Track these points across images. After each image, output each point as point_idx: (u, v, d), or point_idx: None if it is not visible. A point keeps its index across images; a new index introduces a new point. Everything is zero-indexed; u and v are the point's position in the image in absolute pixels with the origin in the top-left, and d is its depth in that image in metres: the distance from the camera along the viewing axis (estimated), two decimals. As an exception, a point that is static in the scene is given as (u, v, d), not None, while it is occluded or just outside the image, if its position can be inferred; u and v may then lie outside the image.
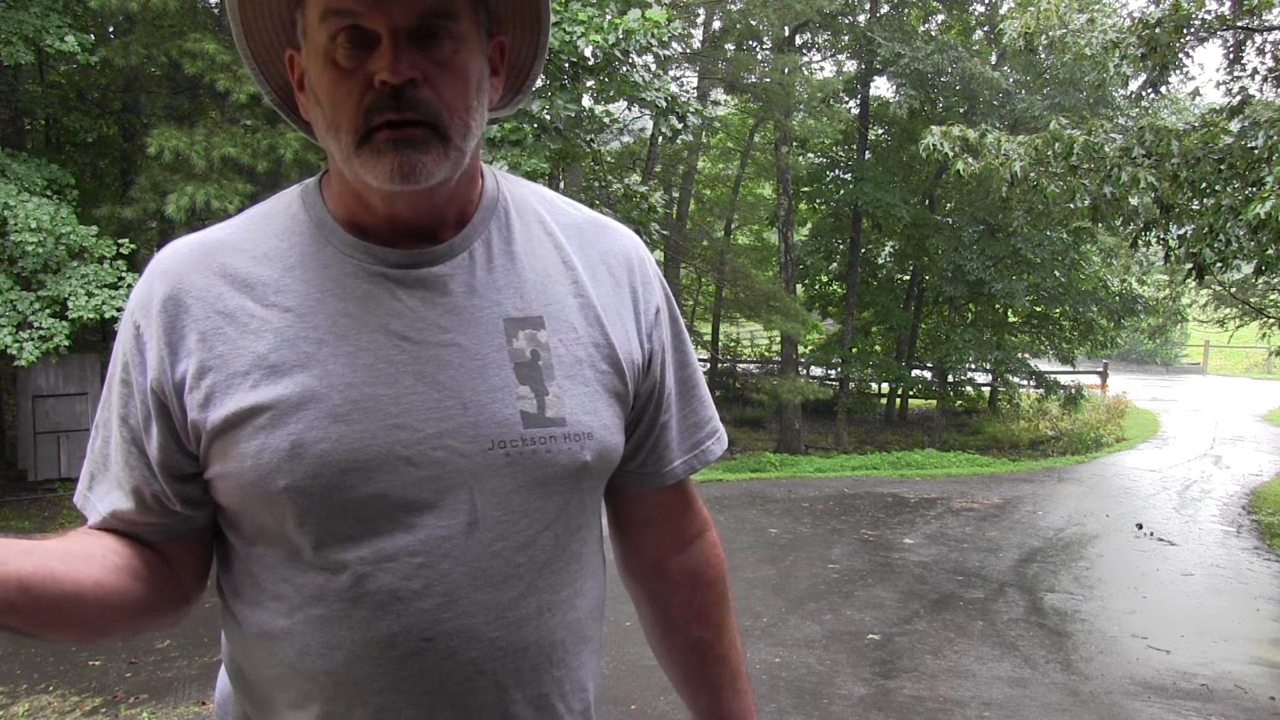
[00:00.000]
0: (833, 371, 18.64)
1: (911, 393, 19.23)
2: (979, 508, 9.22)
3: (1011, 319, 18.32)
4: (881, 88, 20.25)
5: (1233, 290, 15.21)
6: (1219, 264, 6.62)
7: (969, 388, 19.46)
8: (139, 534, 0.94)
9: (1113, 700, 4.40)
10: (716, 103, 18.48)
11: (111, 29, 10.70)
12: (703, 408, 1.12)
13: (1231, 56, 8.50)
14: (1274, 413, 18.79)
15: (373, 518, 0.88)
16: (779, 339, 19.55)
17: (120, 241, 8.63)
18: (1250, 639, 5.44)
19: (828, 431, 17.58)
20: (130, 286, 8.21)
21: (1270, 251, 6.46)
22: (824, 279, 19.95)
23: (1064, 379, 17.84)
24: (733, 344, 25.28)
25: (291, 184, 1.01)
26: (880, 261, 19.52)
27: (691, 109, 8.99)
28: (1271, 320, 14.97)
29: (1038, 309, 17.92)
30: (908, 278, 19.44)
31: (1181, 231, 6.75)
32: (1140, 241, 7.42)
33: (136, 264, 8.86)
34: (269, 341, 0.89)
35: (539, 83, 1.42)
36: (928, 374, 18.89)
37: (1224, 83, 8.73)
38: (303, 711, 0.93)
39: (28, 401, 9.55)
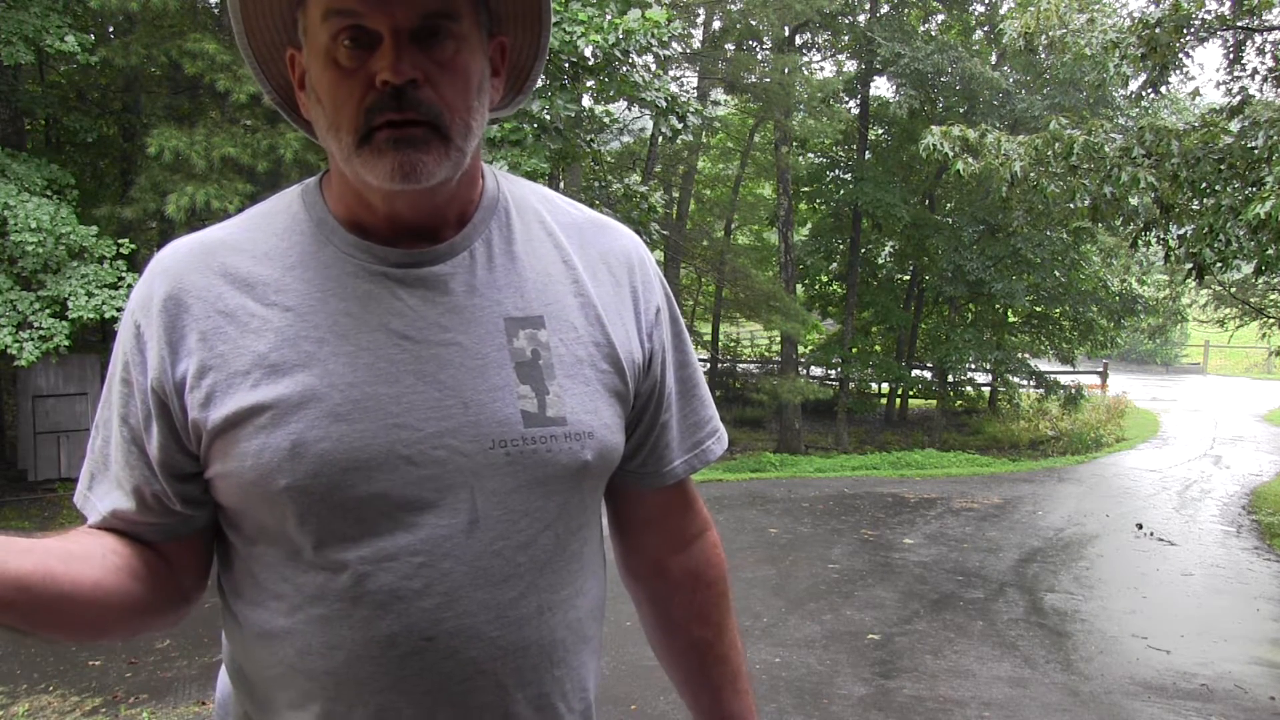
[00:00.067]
0: (833, 371, 18.65)
1: (911, 393, 19.24)
2: (979, 508, 9.22)
3: (1011, 319, 18.32)
4: (881, 88, 20.29)
5: (1233, 290, 15.21)
6: (1219, 264, 6.62)
7: (969, 388, 19.47)
8: (139, 534, 0.94)
9: (1113, 700, 4.40)
10: (716, 103, 18.48)
11: (111, 29, 10.70)
12: (703, 407, 1.12)
13: (1231, 56, 8.50)
14: (1274, 413, 18.79)
15: (373, 517, 0.88)
16: (779, 339, 19.55)
17: (120, 241, 8.63)
18: (1250, 639, 5.44)
19: (828, 431, 17.59)
20: (130, 286, 8.21)
21: (1270, 251, 6.46)
22: (824, 279, 19.95)
23: (1064, 379, 17.85)
24: (733, 344, 25.29)
25: (291, 184, 1.01)
26: (880, 261, 19.53)
27: (691, 109, 9.00)
28: (1271, 320, 14.98)
29: (1038, 309, 17.93)
30: (908, 278, 19.45)
31: (1181, 231, 6.75)
32: (1140, 241, 7.42)
33: (136, 264, 8.86)
34: (270, 341, 0.89)
35: (539, 83, 1.42)
36: (928, 374, 18.90)
37: (1224, 83, 8.74)
38: (303, 711, 0.93)
39: (28, 401, 9.56)
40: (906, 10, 17.70)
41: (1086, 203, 6.88)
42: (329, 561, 0.89)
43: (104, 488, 0.95)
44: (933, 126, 7.59)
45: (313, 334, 0.90)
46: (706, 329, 21.37)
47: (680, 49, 15.71)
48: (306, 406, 0.87)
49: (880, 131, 19.36)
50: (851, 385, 18.19)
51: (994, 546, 7.51)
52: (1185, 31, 7.20)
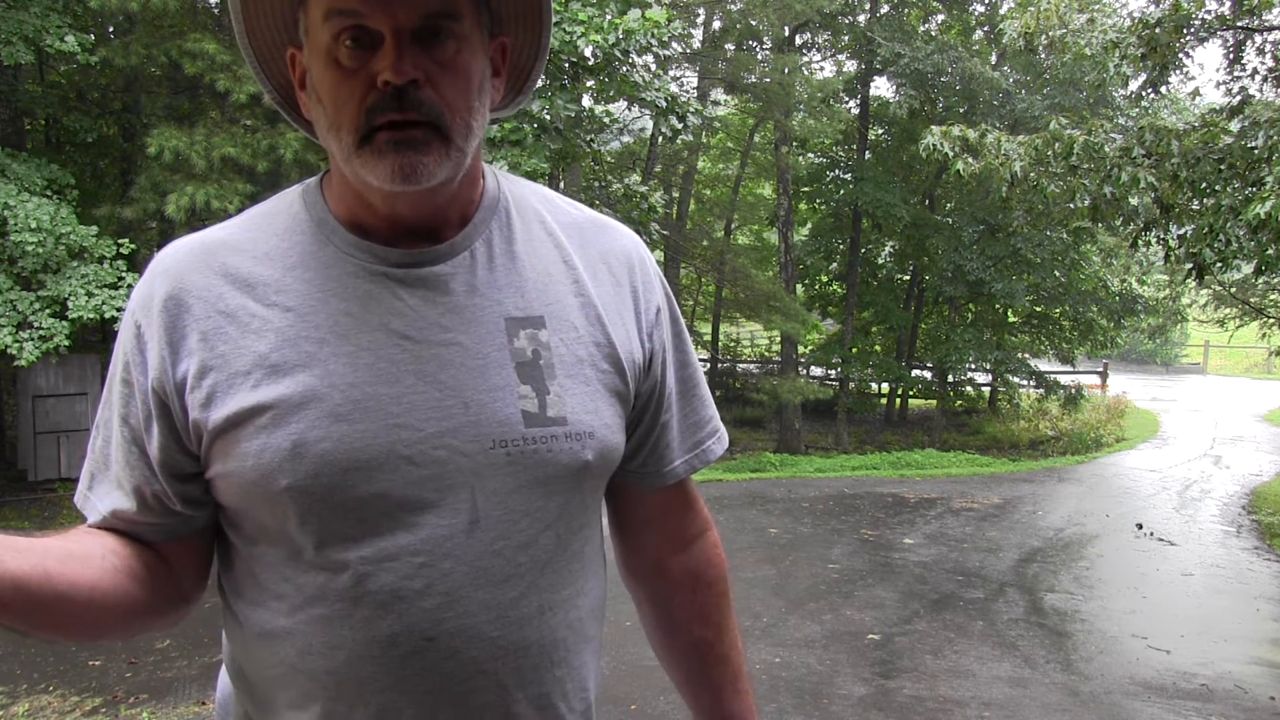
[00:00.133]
0: (833, 371, 18.65)
1: (911, 393, 19.24)
2: (979, 508, 9.22)
3: (1011, 319, 18.32)
4: (881, 88, 20.29)
5: (1233, 290, 15.21)
6: (1219, 264, 6.62)
7: (969, 388, 19.47)
8: (139, 534, 0.94)
9: (1113, 700, 4.40)
10: (716, 103, 18.48)
11: (111, 29, 10.70)
12: (703, 407, 1.12)
13: (1231, 56, 8.50)
14: (1274, 413, 18.79)
15: (374, 517, 0.88)
16: (779, 339, 19.55)
17: (120, 241, 8.63)
18: (1250, 639, 5.44)
19: (828, 431, 17.59)
20: (130, 286, 8.24)
21: (1270, 251, 6.46)
22: (824, 279, 19.95)
23: (1064, 379, 17.84)
24: (733, 344, 25.29)
25: (291, 184, 1.01)
26: (880, 261, 19.53)
27: (691, 109, 8.99)
28: (1271, 320, 14.98)
29: (1038, 309, 17.93)
30: (908, 278, 19.45)
31: (1181, 231, 6.75)
32: (1140, 241, 7.42)
33: (136, 264, 8.86)
34: (270, 341, 0.89)
35: (539, 83, 1.42)
36: (928, 374, 18.90)
37: (1224, 83, 8.74)
38: (304, 711, 0.93)
39: (28, 401, 9.56)
40: (906, 10, 17.70)
41: (1086, 203, 6.88)
42: (330, 561, 0.89)
43: (104, 488, 0.95)
44: (933, 126, 7.59)
45: (313, 334, 0.90)
46: (706, 329, 21.37)
47: (680, 49, 15.71)
48: (307, 406, 0.87)
49: (880, 131, 19.36)
50: (851, 385, 18.19)
51: (994, 546, 7.51)
52: (1185, 31, 7.20)
